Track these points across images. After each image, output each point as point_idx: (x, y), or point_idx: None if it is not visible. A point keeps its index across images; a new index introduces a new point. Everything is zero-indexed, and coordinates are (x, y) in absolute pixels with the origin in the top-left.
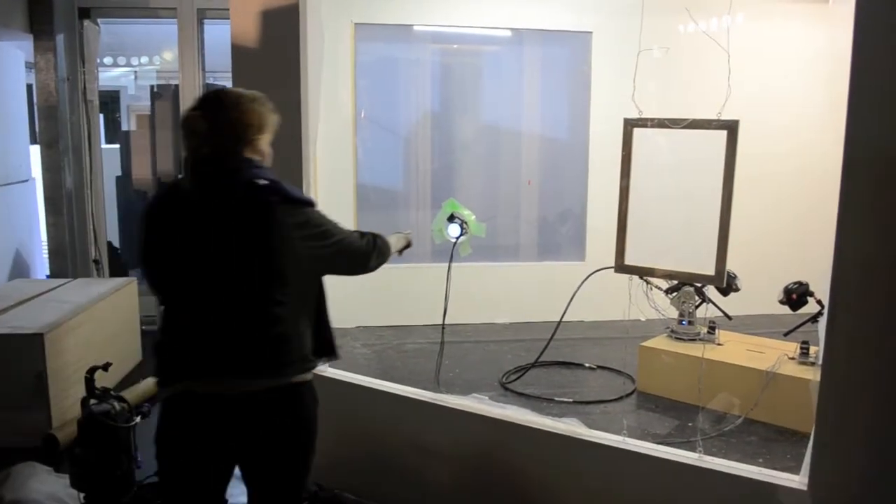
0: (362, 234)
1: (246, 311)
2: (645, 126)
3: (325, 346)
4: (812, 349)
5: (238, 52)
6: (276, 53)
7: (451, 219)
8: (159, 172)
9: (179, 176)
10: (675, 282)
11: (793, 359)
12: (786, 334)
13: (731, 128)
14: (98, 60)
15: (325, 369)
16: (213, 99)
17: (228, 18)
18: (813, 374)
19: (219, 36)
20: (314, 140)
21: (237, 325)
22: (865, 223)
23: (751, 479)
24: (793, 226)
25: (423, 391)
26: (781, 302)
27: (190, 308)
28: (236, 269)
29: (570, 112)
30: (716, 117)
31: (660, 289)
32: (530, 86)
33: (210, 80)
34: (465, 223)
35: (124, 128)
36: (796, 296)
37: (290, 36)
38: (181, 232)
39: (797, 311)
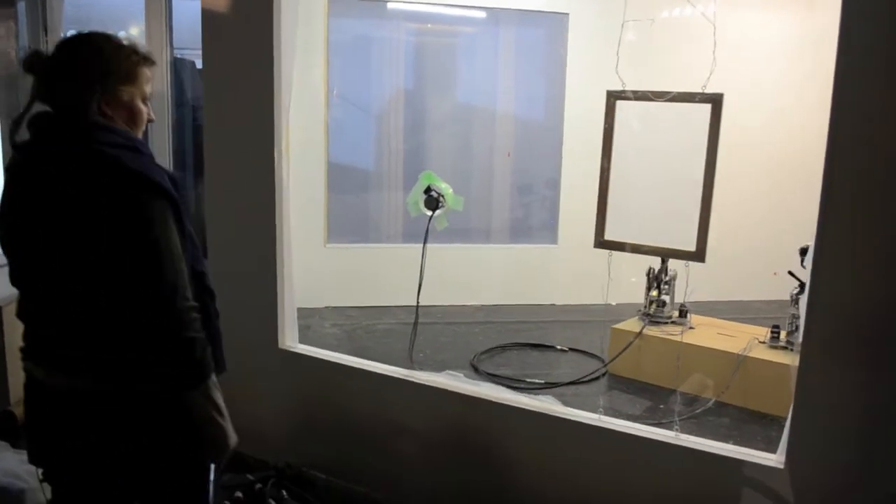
0: (192, 307)
1: (63, 303)
2: (628, 99)
3: (181, 355)
4: (782, 333)
5: (209, 20)
6: (249, 18)
7: (428, 191)
8: None
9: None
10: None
11: (763, 342)
12: (790, 273)
13: (716, 101)
14: (62, 34)
15: (295, 346)
16: (73, 41)
17: None
18: (784, 358)
19: (188, 10)
20: (287, 108)
21: (56, 315)
22: (847, 209)
23: (727, 458)
24: (764, 217)
25: (397, 368)
26: (801, 250)
27: (23, 291)
28: (54, 254)
29: (546, 93)
30: (700, 91)
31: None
32: (505, 67)
33: (178, 55)
34: (443, 196)
35: None
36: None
37: (263, 4)
38: (12, 210)
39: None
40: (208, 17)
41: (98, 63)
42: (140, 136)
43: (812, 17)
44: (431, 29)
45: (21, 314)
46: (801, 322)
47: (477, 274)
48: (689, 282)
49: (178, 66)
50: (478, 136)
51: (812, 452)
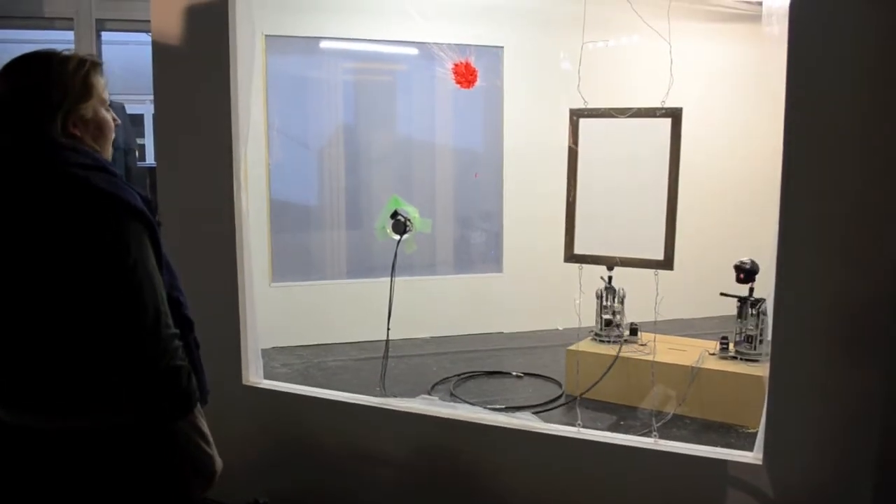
0: (175, 335)
1: (31, 337)
2: (591, 116)
3: (166, 385)
4: (731, 345)
5: (161, 54)
6: (203, 49)
7: (395, 215)
8: None
9: None
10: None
11: (714, 354)
12: (722, 294)
13: (676, 115)
14: None
15: (260, 381)
16: (15, 67)
17: (128, 30)
18: (735, 368)
19: (118, 54)
20: (245, 140)
21: (25, 351)
22: (806, 213)
23: (707, 458)
24: (699, 236)
25: (369, 397)
26: (739, 264)
27: None
28: (19, 284)
29: (484, 126)
30: (660, 106)
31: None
32: (442, 101)
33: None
34: (410, 220)
35: None
36: (752, 269)
37: (218, 30)
38: None
39: (739, 284)
40: (160, 50)
41: (49, 86)
42: (110, 145)
43: (760, 46)
44: (368, 67)
45: None
46: (769, 323)
47: (424, 305)
48: (633, 302)
49: None
50: (419, 170)
51: (788, 447)
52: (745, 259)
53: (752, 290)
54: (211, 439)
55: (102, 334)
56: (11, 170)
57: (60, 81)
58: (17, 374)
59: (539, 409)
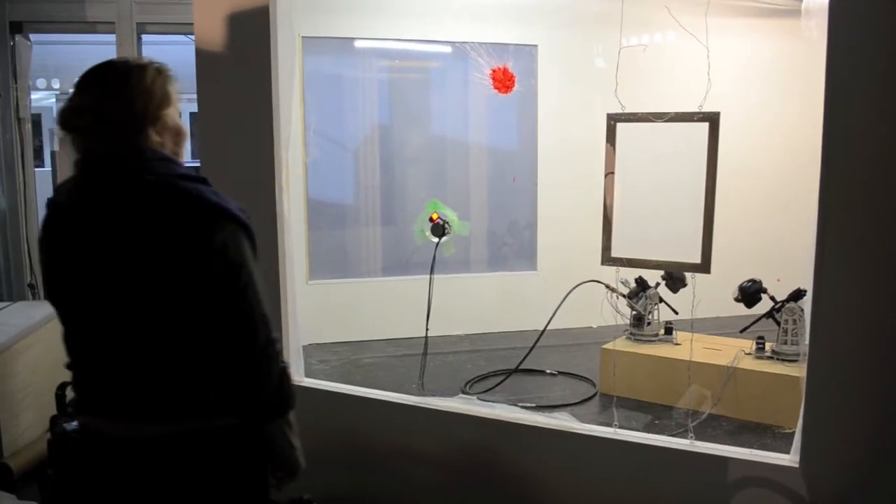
0: (278, 339)
1: (141, 346)
2: (628, 121)
3: (277, 387)
4: (767, 344)
5: (204, 58)
6: (246, 53)
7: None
8: None
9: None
10: (634, 286)
11: (749, 354)
12: (742, 331)
13: (713, 119)
14: (30, 81)
15: (301, 379)
16: (94, 79)
17: (168, 33)
18: (772, 368)
19: (158, 53)
20: (286, 143)
21: (121, 356)
22: (844, 218)
23: (743, 460)
24: (734, 236)
25: (408, 395)
26: (736, 299)
27: (80, 336)
28: (129, 296)
29: (518, 124)
30: (697, 110)
31: (624, 296)
32: (476, 99)
33: None
34: (448, 223)
35: (54, 148)
36: (749, 294)
37: (260, 33)
38: (74, 251)
39: (751, 309)
40: (203, 55)
41: (135, 96)
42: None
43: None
44: (403, 65)
45: (77, 364)
46: (807, 327)
47: (458, 303)
48: (669, 300)
49: None
50: (453, 168)
51: (825, 451)
52: (734, 290)
53: (773, 299)
54: (298, 431)
55: (216, 341)
56: (115, 183)
57: (144, 90)
58: (129, 384)
59: (557, 407)
